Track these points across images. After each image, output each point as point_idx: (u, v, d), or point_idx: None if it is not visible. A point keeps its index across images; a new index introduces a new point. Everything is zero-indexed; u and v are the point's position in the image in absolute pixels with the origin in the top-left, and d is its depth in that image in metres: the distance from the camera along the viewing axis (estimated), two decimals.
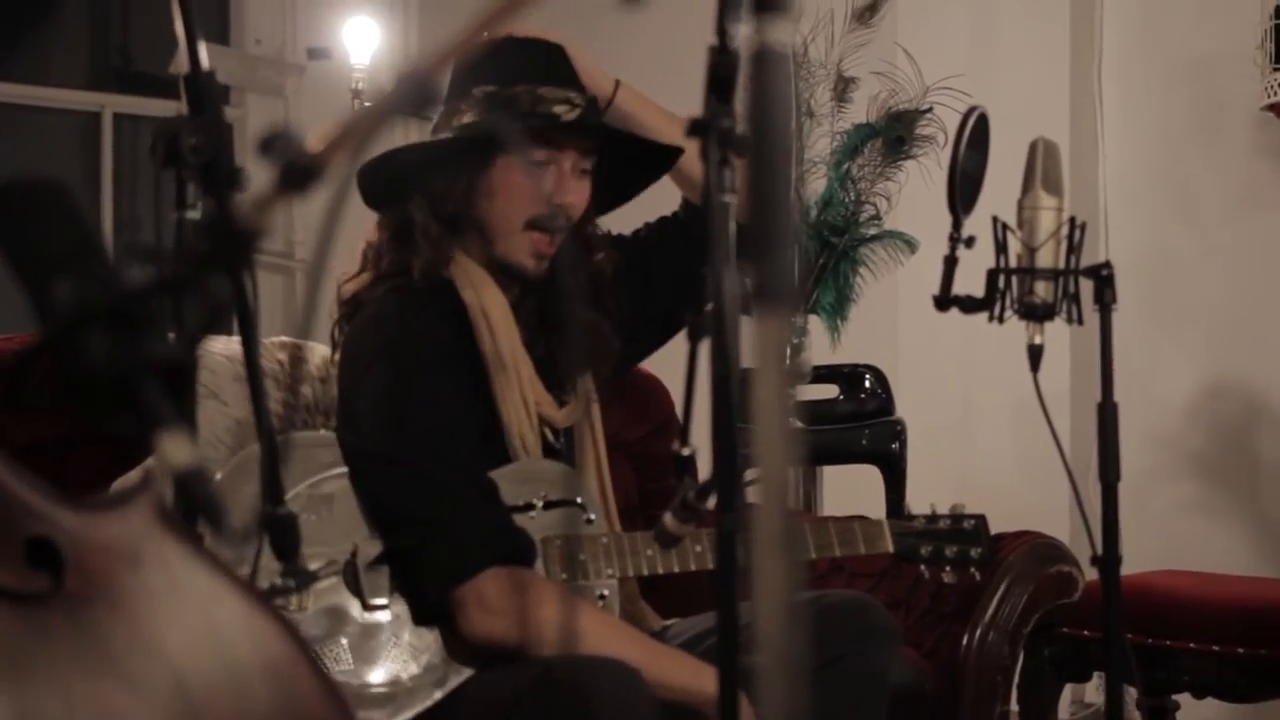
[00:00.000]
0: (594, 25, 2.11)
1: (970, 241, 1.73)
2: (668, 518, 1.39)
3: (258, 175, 0.87)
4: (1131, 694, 2.92)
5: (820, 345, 3.13)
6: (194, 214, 1.27)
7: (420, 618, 1.81)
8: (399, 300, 1.91)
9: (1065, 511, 3.19)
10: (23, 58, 4.53)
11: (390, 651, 1.80)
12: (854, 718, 1.83)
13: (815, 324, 3.14)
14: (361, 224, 1.98)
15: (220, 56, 4.37)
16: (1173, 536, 3.46)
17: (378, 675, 1.78)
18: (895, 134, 3.13)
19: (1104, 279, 1.76)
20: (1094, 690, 3.55)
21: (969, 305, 1.75)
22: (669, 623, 2.05)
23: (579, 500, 1.93)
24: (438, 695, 1.79)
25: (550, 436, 1.98)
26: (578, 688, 1.64)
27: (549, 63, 1.96)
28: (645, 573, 1.91)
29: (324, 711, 1.06)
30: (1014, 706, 2.41)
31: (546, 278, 1.95)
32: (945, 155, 1.78)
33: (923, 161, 3.09)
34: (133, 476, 1.68)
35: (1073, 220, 1.74)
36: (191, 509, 0.90)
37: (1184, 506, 3.60)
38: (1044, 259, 1.73)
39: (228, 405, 2.08)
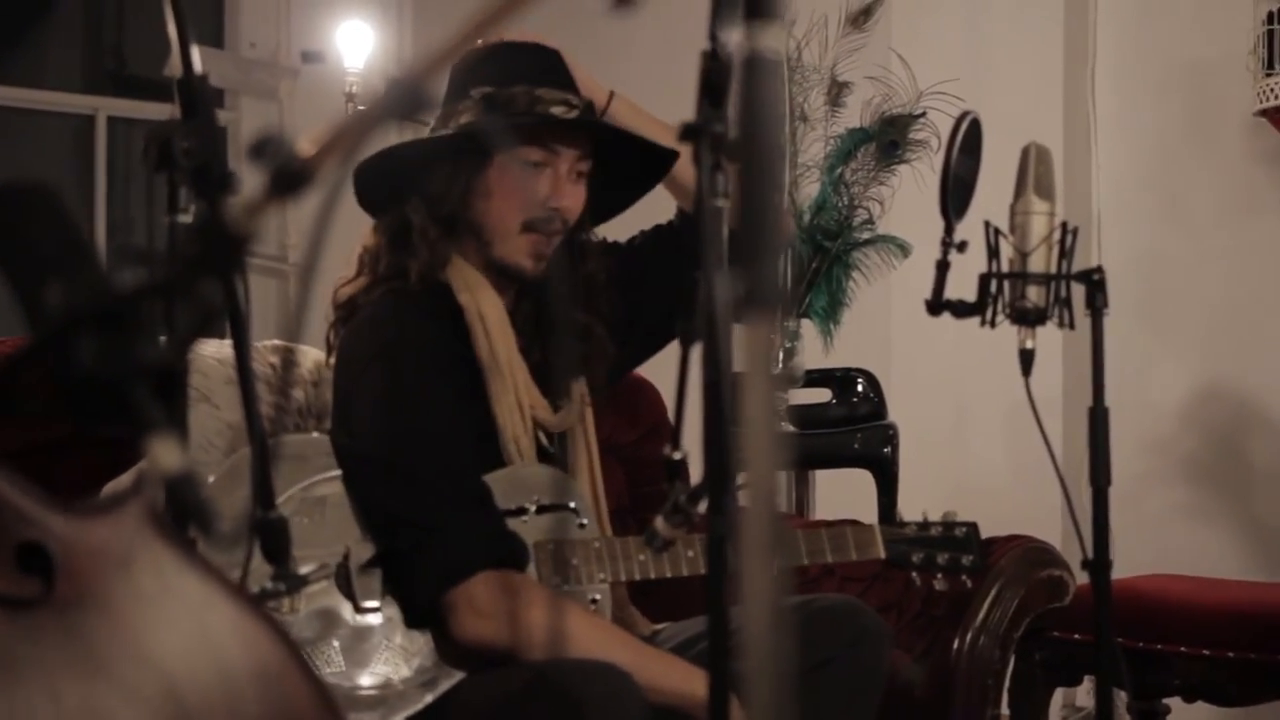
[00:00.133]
0: (587, 30, 2.11)
1: (962, 246, 1.74)
2: (659, 521, 1.39)
3: (250, 179, 0.87)
4: (1122, 698, 2.92)
5: (813, 349, 3.13)
6: (186, 218, 1.27)
7: (412, 620, 1.81)
8: (395, 303, 1.91)
9: (1058, 516, 3.19)
10: (17, 60, 4.53)
11: (382, 654, 1.80)
12: None
13: (808, 328, 3.15)
14: (355, 228, 1.98)
15: (214, 60, 4.37)
16: (1165, 541, 3.47)
17: (369, 678, 1.78)
18: (889, 138, 3.14)
19: (1095, 283, 1.77)
20: (1085, 694, 3.55)
21: (961, 310, 1.75)
22: (660, 627, 2.05)
23: (572, 505, 1.93)
24: (429, 698, 1.79)
25: (544, 440, 1.98)
26: (569, 692, 1.64)
27: (547, 65, 1.96)
28: (638, 577, 1.91)
29: (315, 715, 1.06)
30: (1005, 710, 2.41)
31: (542, 282, 1.95)
32: (939, 160, 1.78)
33: (916, 166, 3.10)
34: (124, 480, 1.68)
35: (1064, 225, 1.74)
36: (182, 513, 0.90)
37: (1176, 511, 3.61)
38: (1036, 264, 1.73)
39: (220, 409, 2.08)
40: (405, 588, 1.81)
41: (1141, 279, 3.60)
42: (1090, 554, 1.77)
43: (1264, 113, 3.36)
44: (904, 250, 3.15)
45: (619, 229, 2.15)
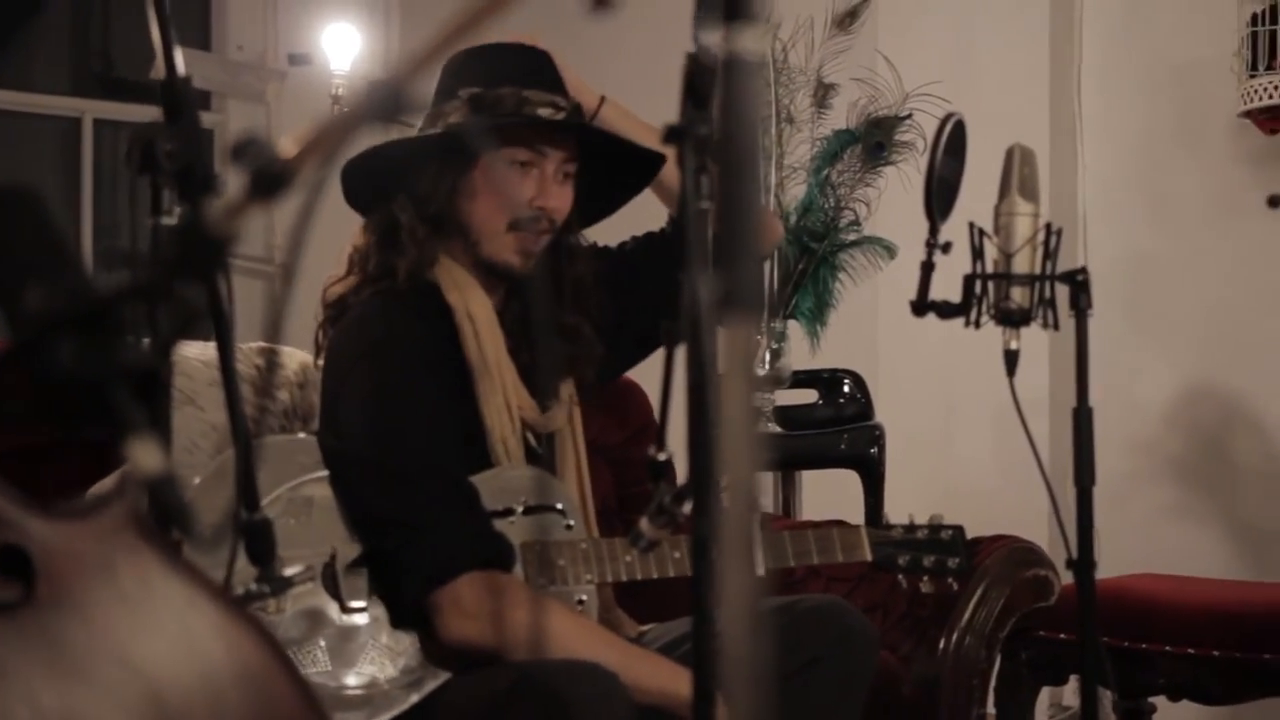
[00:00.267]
0: (575, 32, 2.11)
1: (947, 247, 1.74)
2: (643, 522, 1.39)
3: (234, 181, 0.87)
4: (1108, 697, 2.93)
5: (799, 350, 3.13)
6: (170, 220, 1.27)
7: (398, 620, 1.81)
8: (384, 302, 1.92)
9: (1044, 516, 3.20)
10: (3, 63, 4.52)
11: (368, 654, 1.79)
12: None
13: (794, 329, 3.15)
14: (341, 228, 1.98)
15: (201, 62, 4.36)
16: (1150, 540, 3.48)
17: (355, 678, 1.78)
18: (875, 140, 3.14)
19: (1079, 284, 1.77)
20: (1071, 693, 3.56)
21: (946, 310, 1.75)
22: (645, 628, 2.05)
23: (558, 506, 1.93)
24: (415, 698, 1.79)
25: (532, 441, 1.98)
26: (555, 692, 1.64)
27: (535, 67, 1.96)
28: (624, 578, 1.91)
29: (299, 717, 1.06)
30: (991, 709, 2.42)
31: (530, 282, 1.95)
32: (924, 161, 1.79)
33: (902, 168, 3.10)
34: (107, 483, 1.68)
35: (1049, 226, 1.75)
36: (164, 516, 0.90)
37: (1162, 511, 3.62)
38: (1020, 265, 1.74)
39: (204, 410, 2.07)
40: (391, 588, 1.81)
41: (1127, 279, 3.61)
42: (1075, 553, 1.77)
43: (1249, 114, 3.37)
44: (890, 251, 3.15)
45: (610, 234, 2.15)
